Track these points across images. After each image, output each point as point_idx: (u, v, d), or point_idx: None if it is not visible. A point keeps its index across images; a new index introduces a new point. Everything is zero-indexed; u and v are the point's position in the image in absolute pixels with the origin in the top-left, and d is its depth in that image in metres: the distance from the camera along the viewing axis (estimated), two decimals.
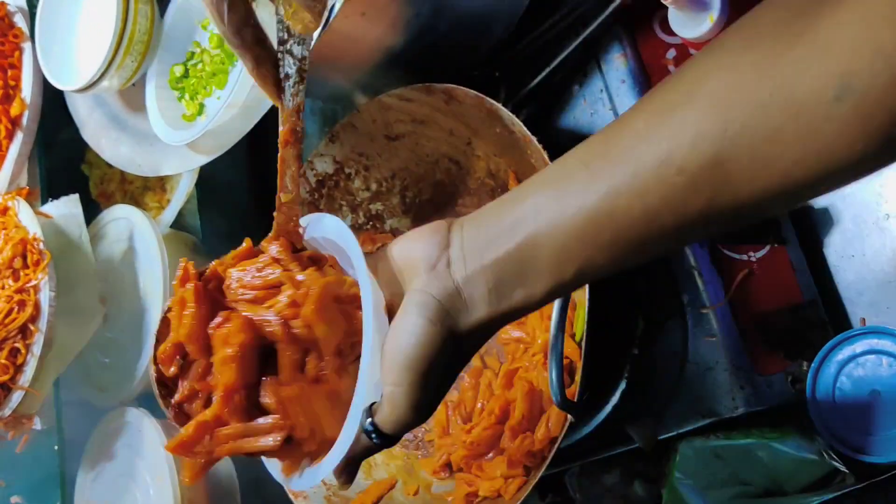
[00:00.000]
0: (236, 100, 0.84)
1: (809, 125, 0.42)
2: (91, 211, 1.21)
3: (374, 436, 0.56)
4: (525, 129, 0.82)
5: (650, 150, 0.47)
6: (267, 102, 0.83)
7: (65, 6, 1.00)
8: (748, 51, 0.45)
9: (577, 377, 0.72)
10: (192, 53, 0.94)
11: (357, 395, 0.55)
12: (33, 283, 0.97)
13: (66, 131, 1.18)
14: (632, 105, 0.85)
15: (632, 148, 0.48)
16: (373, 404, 0.56)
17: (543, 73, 0.95)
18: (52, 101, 1.12)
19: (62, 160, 1.27)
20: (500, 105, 0.83)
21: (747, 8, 0.80)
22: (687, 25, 0.81)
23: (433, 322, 0.53)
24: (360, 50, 0.91)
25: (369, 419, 0.56)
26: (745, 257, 0.83)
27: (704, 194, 0.46)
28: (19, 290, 0.96)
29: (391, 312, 0.56)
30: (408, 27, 0.90)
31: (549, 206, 0.50)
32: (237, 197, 1.26)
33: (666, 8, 0.91)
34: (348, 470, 0.59)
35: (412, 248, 0.56)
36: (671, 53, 0.91)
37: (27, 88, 1.07)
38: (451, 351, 0.54)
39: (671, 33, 0.90)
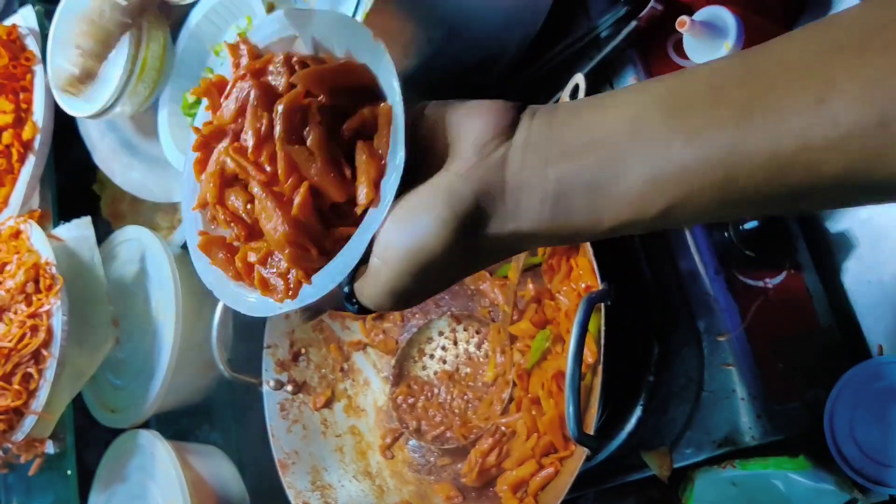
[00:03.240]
0: None
1: None
2: (102, 231, 1.21)
3: (351, 302, 0.51)
4: None
5: (803, 91, 0.39)
6: None
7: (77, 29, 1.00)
8: None
9: (594, 410, 0.71)
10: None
11: (359, 237, 0.49)
12: (46, 308, 0.97)
13: (78, 151, 1.19)
14: None
15: (780, 83, 0.40)
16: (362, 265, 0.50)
17: (556, 97, 0.94)
18: (64, 123, 1.12)
19: (74, 180, 1.27)
20: None
21: (762, 37, 0.80)
22: (702, 52, 0.80)
23: (456, 219, 0.46)
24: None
25: (348, 284, 0.50)
26: (761, 284, 0.83)
27: (850, 156, 0.39)
28: (32, 315, 0.96)
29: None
30: (420, 52, 0.89)
31: (656, 128, 0.43)
32: None
33: (680, 32, 0.91)
34: (310, 314, 0.56)
35: (465, 118, 0.48)
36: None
37: (39, 112, 1.07)
38: (461, 256, 0.47)
39: (685, 57, 0.90)
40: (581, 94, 0.73)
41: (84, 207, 1.26)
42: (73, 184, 1.27)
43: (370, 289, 0.50)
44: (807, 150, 0.40)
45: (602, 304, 0.71)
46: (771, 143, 0.40)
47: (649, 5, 0.88)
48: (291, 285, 0.53)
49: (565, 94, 0.75)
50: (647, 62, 0.91)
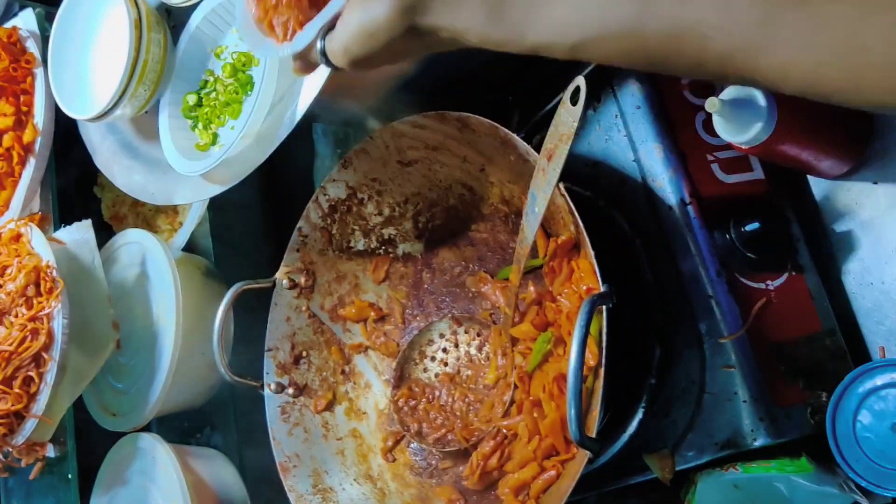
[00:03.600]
0: (250, 130, 0.84)
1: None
2: (103, 233, 1.21)
3: (324, 55, 0.63)
4: (538, 156, 0.81)
5: None
6: (282, 133, 0.82)
7: (77, 33, 1.00)
8: None
9: (596, 413, 0.71)
10: (206, 82, 0.94)
11: None
12: (46, 311, 0.97)
13: (79, 154, 1.18)
14: (648, 130, 0.87)
15: None
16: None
17: (557, 100, 0.94)
18: (65, 126, 1.12)
19: (75, 182, 1.27)
20: (514, 135, 0.83)
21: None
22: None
23: (401, 3, 0.57)
24: (372, 79, 0.90)
25: (322, 40, 0.63)
26: (762, 286, 0.83)
27: (734, 42, 0.50)
28: (32, 319, 0.96)
29: None
30: (420, 57, 0.89)
31: None
32: (250, 218, 1.27)
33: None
34: (301, 64, 0.68)
35: None
36: (687, 78, 0.90)
37: (39, 115, 1.07)
38: (403, 36, 0.59)
39: None
40: (582, 96, 0.73)
41: (85, 210, 1.26)
42: (74, 187, 1.27)
43: (333, 44, 0.62)
44: (701, 24, 0.50)
45: (603, 307, 0.71)
46: (672, 14, 0.50)
47: None
48: (289, 33, 0.67)
49: (566, 97, 0.74)
50: None
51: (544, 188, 0.78)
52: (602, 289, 0.72)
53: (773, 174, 0.87)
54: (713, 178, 0.87)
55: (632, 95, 0.90)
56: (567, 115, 0.75)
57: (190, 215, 1.16)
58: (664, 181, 0.86)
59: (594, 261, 0.75)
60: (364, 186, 1.00)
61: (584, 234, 0.76)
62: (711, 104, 0.74)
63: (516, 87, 1.00)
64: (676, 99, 0.89)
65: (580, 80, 0.73)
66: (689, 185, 0.86)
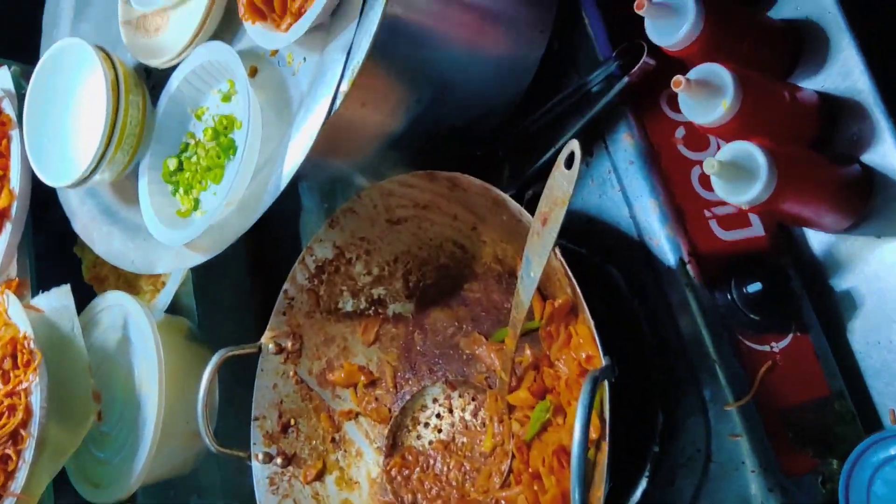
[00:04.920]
0: (233, 197, 0.81)
1: None
2: (84, 294, 1.17)
3: None
4: (531, 217, 0.78)
5: None
6: (267, 199, 0.79)
7: (53, 95, 0.97)
8: None
9: (600, 492, 0.68)
10: (187, 145, 0.91)
11: None
12: (24, 385, 0.93)
13: (57, 213, 1.15)
14: (642, 186, 0.85)
15: None
16: None
17: (549, 154, 0.92)
18: (42, 188, 1.09)
19: (54, 242, 1.23)
20: (507, 196, 0.80)
21: (760, 93, 0.78)
22: (699, 111, 0.78)
23: None
24: (359, 137, 0.88)
25: None
26: (767, 348, 0.80)
27: None
28: (9, 394, 0.92)
29: None
30: (408, 113, 0.87)
31: None
32: (234, 276, 1.23)
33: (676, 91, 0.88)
34: None
35: None
36: (680, 132, 0.88)
37: (15, 178, 1.04)
38: None
39: (679, 111, 0.87)
40: (577, 161, 0.70)
41: (64, 271, 1.22)
42: (53, 247, 1.23)
43: None
44: None
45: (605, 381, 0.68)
46: None
47: (641, 61, 0.86)
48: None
49: (560, 161, 0.72)
50: (641, 117, 0.89)
51: (540, 252, 0.76)
52: (604, 362, 0.69)
53: (772, 229, 0.85)
54: (711, 234, 0.84)
55: (625, 150, 0.88)
56: (562, 179, 0.72)
57: (173, 276, 1.13)
58: (661, 239, 0.84)
59: (594, 330, 0.72)
60: (352, 246, 0.97)
61: (582, 300, 0.74)
62: (710, 165, 0.72)
63: (505, 142, 0.97)
64: (671, 153, 0.87)
65: (574, 145, 0.70)
66: (688, 242, 0.83)
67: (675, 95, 0.87)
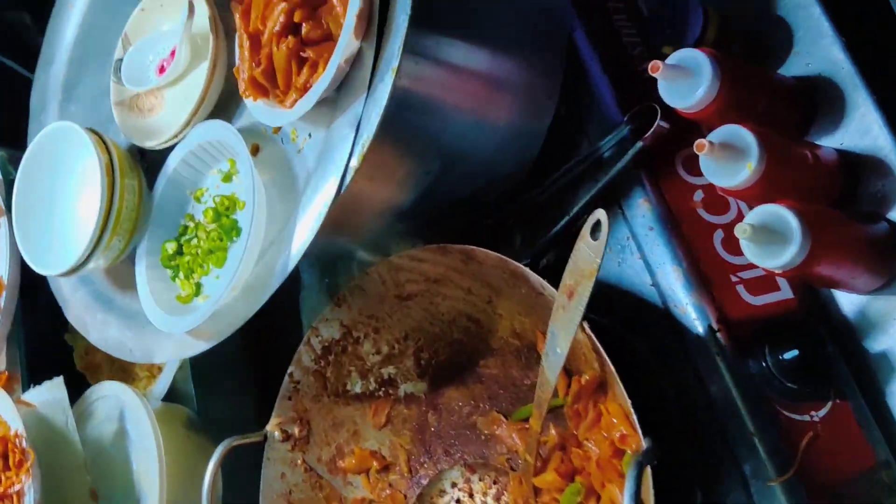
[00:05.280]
0: (237, 281, 0.77)
1: None
2: (76, 383, 1.12)
3: None
4: (555, 291, 0.75)
5: None
6: (274, 283, 0.76)
7: (43, 180, 0.93)
8: None
9: None
10: (186, 228, 0.87)
11: None
12: (17, 487, 0.87)
13: (46, 299, 1.10)
14: (664, 252, 0.82)
15: None
16: None
17: (563, 221, 0.89)
18: (30, 274, 1.04)
19: (44, 330, 1.18)
20: (526, 268, 0.77)
21: (782, 154, 0.76)
22: (723, 174, 0.75)
23: None
24: (366, 212, 0.84)
25: None
26: (807, 418, 0.76)
27: None
28: (1, 498, 0.86)
29: None
30: (417, 185, 0.84)
31: None
32: (233, 358, 1.18)
33: (688, 146, 0.86)
34: None
35: None
36: (698, 195, 0.85)
37: (4, 267, 1.00)
38: None
39: (696, 174, 0.85)
40: (604, 231, 0.67)
41: (56, 360, 1.17)
42: (44, 334, 1.18)
43: None
44: None
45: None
46: None
47: (655, 124, 0.84)
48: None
49: (586, 231, 0.69)
50: (656, 181, 0.86)
51: (566, 327, 0.72)
52: (644, 444, 0.65)
53: (801, 291, 0.82)
54: (740, 300, 0.81)
55: (642, 216, 0.85)
56: (588, 251, 0.69)
57: (169, 362, 1.08)
58: (688, 306, 0.80)
59: (631, 408, 0.68)
60: (360, 324, 0.93)
61: (616, 376, 0.70)
62: (742, 231, 0.69)
63: (515, 210, 0.94)
64: (691, 218, 0.84)
65: (601, 214, 0.67)
66: (716, 309, 0.80)
67: (691, 158, 0.86)
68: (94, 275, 0.95)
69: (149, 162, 0.94)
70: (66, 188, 0.92)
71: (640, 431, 0.66)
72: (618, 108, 0.89)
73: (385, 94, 0.71)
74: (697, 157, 0.86)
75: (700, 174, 0.84)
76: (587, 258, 0.69)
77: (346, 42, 0.70)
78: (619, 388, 0.69)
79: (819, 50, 0.85)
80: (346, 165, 0.73)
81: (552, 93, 0.89)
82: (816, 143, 0.82)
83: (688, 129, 0.86)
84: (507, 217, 0.95)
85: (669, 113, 0.81)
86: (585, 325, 0.71)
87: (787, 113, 0.85)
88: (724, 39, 0.87)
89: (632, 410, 0.68)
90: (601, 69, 0.92)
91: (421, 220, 0.90)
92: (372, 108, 0.72)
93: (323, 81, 0.71)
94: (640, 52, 0.93)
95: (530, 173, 0.92)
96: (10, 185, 1.01)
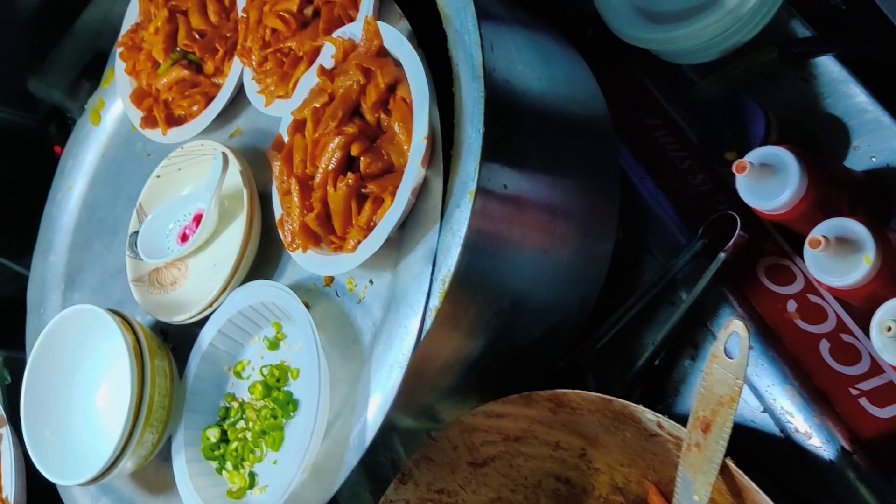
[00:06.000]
0: (305, 464, 0.65)
1: None
2: None
3: None
4: (678, 427, 0.65)
5: None
6: (350, 459, 0.64)
7: (54, 377, 0.82)
8: None
9: None
10: (228, 409, 0.75)
11: None
12: None
13: None
14: (771, 372, 0.73)
15: None
16: None
17: (646, 354, 0.80)
18: (36, 487, 0.90)
19: None
20: (636, 405, 0.67)
21: (891, 244, 0.69)
22: (837, 272, 0.68)
23: None
24: (437, 364, 0.74)
25: None
26: None
27: None
28: None
29: None
30: (487, 329, 0.75)
31: None
32: None
33: (769, 254, 0.80)
34: None
35: None
36: (791, 305, 0.78)
37: (9, 483, 0.85)
38: None
39: (783, 283, 0.78)
40: (744, 346, 0.58)
41: None
42: None
43: None
44: None
45: None
46: None
47: (735, 234, 0.78)
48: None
49: (719, 349, 0.60)
50: (742, 295, 0.79)
51: (704, 469, 0.62)
52: None
53: None
54: (867, 414, 0.72)
55: (737, 335, 0.76)
56: (724, 372, 0.60)
57: None
58: (812, 430, 0.71)
59: None
60: (429, 502, 0.81)
61: None
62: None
63: (586, 348, 0.85)
64: (790, 330, 0.77)
65: (738, 326, 0.59)
66: (845, 429, 0.71)
67: (774, 267, 0.80)
68: (117, 480, 0.82)
69: (173, 342, 0.83)
70: (82, 380, 0.81)
71: None
72: (681, 222, 0.84)
73: (464, 221, 0.63)
74: (780, 265, 0.80)
75: (787, 282, 0.79)
76: (724, 381, 0.60)
77: (416, 170, 0.62)
78: None
79: (879, 141, 0.81)
80: (426, 307, 0.64)
81: (612, 214, 0.83)
82: None
83: (763, 236, 0.81)
84: (578, 358, 0.86)
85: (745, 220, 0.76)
86: (731, 462, 0.60)
87: (866, 206, 0.79)
88: (784, 141, 0.83)
89: None
90: (655, 185, 0.87)
91: (487, 373, 0.80)
92: (450, 239, 0.63)
93: (393, 214, 0.63)
94: (690, 165, 0.88)
95: (598, 309, 0.84)
96: (6, 390, 0.89)
